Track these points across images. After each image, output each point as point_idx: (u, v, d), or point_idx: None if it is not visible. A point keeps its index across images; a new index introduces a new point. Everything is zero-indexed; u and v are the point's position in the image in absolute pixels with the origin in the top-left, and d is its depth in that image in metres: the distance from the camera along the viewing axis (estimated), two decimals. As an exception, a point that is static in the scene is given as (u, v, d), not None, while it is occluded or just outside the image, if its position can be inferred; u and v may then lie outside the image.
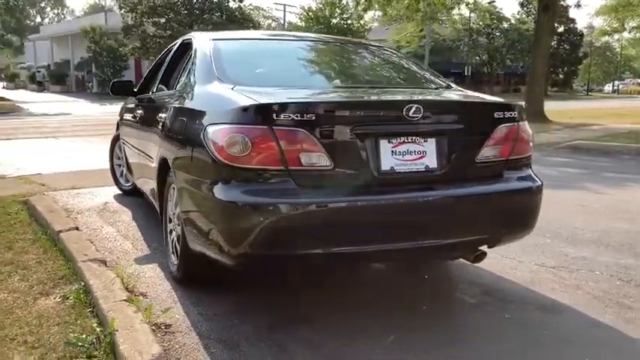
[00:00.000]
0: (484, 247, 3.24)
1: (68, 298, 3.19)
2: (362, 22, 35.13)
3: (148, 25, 31.90)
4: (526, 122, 3.29)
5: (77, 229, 4.30)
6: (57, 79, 41.38)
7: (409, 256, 3.27)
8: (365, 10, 20.58)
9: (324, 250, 2.75)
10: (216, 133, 2.71)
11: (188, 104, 3.29)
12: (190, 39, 4.12)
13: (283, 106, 2.67)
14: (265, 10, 77.81)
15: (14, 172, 7.66)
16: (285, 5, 54.11)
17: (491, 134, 3.07)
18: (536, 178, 3.28)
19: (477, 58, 53.07)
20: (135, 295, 3.29)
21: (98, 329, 2.76)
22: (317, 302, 3.33)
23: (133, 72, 37.92)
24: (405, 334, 2.88)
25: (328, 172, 2.73)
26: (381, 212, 2.82)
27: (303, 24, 35.41)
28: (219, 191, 2.68)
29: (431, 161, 2.92)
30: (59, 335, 2.76)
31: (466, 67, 49.61)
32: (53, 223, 4.36)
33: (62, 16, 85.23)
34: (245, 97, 2.79)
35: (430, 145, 2.92)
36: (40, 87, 42.32)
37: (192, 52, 3.78)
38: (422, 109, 2.81)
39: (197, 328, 2.88)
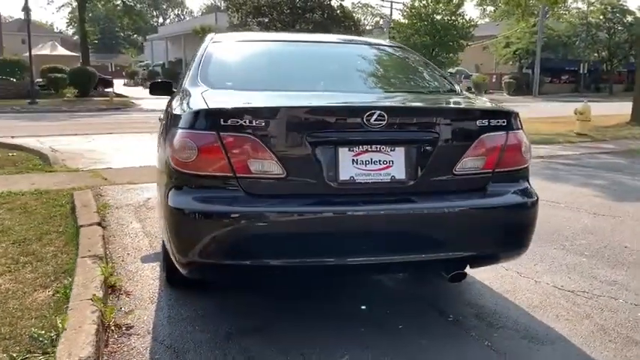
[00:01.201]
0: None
1: (58, 292, 3.33)
2: (467, 17, 33.96)
3: (253, 24, 32.86)
4: (520, 131, 2.98)
5: (99, 224, 4.49)
6: (170, 76, 43.77)
7: (371, 271, 3.09)
8: (458, 7, 19.77)
9: (274, 263, 2.66)
10: (173, 137, 2.71)
11: (172, 107, 3.33)
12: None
13: (231, 112, 2.60)
14: (374, 8, 77.64)
15: (90, 166, 8.20)
16: (391, 2, 53.67)
17: (472, 144, 2.82)
18: (529, 193, 2.97)
19: (596, 54, 49.45)
20: (119, 294, 3.39)
21: (60, 326, 2.85)
22: (289, 312, 3.23)
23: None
24: (361, 352, 2.72)
25: (280, 180, 2.63)
26: (337, 225, 2.68)
27: (406, 21, 34.84)
28: (171, 197, 2.67)
29: (398, 172, 2.73)
30: (30, 329, 2.89)
31: (582, 65, 46.43)
32: (80, 217, 4.60)
33: (181, 17, 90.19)
34: (202, 102, 2.76)
35: (398, 155, 2.73)
36: (155, 84, 44.68)
37: (197, 53, 3.80)
38: (385, 116, 2.63)
39: (155, 332, 2.91)
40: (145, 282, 3.60)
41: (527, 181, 3.06)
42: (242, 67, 3.57)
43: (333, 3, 34.25)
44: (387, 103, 2.86)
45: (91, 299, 2.94)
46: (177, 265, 2.77)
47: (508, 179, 2.95)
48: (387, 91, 3.37)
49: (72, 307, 2.90)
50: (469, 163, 2.82)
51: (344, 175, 2.67)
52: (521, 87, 43.15)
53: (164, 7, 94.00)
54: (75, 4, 33.31)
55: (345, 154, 2.67)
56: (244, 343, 2.80)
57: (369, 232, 2.70)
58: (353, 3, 71.37)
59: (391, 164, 2.72)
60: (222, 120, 2.57)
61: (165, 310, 3.18)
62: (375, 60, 3.98)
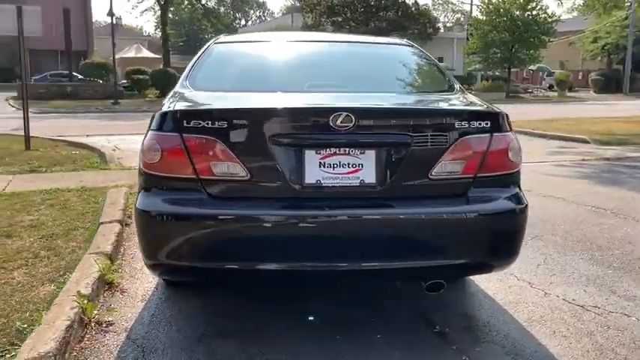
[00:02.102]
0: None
1: (59, 288, 3.47)
2: (549, 12, 32.38)
3: (327, 24, 33.04)
4: (508, 133, 2.79)
5: (120, 222, 4.64)
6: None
7: (340, 279, 3.00)
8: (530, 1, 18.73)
9: (236, 267, 2.64)
10: (144, 139, 2.74)
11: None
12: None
13: (193, 114, 2.61)
14: (454, 4, 75.93)
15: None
16: (472, -2, 52.30)
17: (449, 147, 2.67)
18: (516, 200, 2.78)
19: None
20: (114, 291, 3.48)
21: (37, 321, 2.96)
22: (274, 316, 3.18)
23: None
24: (326, 364, 2.65)
25: (244, 183, 2.60)
26: (300, 230, 2.62)
27: (484, 17, 33.75)
28: (139, 199, 2.71)
29: (368, 176, 2.63)
30: (22, 321, 3.03)
31: (680, 60, 43.09)
32: (103, 214, 4.78)
33: (263, 19, 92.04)
34: (172, 104, 2.78)
35: (368, 158, 2.63)
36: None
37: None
38: (353, 118, 2.54)
39: (132, 330, 2.96)
40: (145, 280, 3.67)
41: (518, 186, 2.87)
42: (231, 69, 3.56)
43: (407, 0, 33.86)
44: (355, 104, 2.75)
45: (75, 295, 3.03)
46: (147, 268, 2.81)
47: (494, 185, 2.78)
48: (372, 92, 3.26)
49: (57, 302, 3.01)
50: (447, 167, 2.68)
51: (310, 178, 2.60)
52: (610, 84, 40.64)
53: (246, 9, 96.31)
54: (157, 8, 34.69)
55: (311, 157, 2.61)
56: (214, 346, 2.80)
57: (335, 237, 2.61)
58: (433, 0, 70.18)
59: (360, 168, 2.63)
60: (185, 122, 2.58)
61: (152, 308, 3.23)
62: (371, 59, 3.87)
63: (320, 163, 2.61)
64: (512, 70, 34.12)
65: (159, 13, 35.55)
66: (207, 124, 2.56)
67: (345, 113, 2.54)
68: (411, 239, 2.66)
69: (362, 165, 2.63)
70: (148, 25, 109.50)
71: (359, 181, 2.62)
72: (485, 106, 2.89)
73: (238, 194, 2.62)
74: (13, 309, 3.15)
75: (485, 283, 3.59)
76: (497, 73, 37.28)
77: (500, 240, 2.77)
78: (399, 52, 3.99)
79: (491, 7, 33.17)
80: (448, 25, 61.54)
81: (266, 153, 2.58)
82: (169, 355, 2.71)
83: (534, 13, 32.17)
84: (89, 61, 34.23)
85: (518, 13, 32.41)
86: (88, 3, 43.20)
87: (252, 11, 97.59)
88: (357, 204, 2.65)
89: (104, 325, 3.00)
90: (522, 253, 2.97)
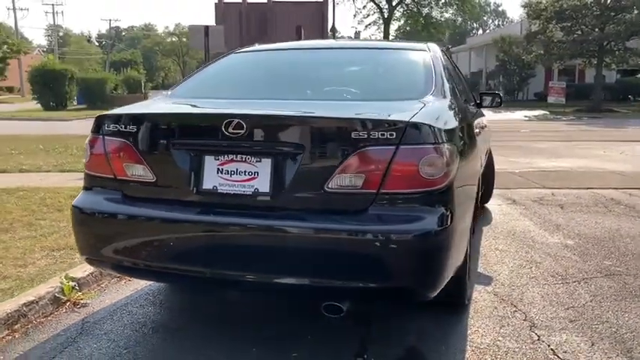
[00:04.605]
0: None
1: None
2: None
3: (556, 30, 30.54)
4: (423, 146, 2.45)
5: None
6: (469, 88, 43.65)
7: (230, 286, 2.92)
8: None
9: (142, 266, 2.79)
10: None
11: None
12: None
13: (110, 117, 2.85)
14: None
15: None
16: None
17: (347, 158, 2.47)
18: (431, 223, 2.45)
19: None
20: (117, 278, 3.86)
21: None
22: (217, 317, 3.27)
23: (541, 80, 37.05)
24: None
25: (151, 185, 2.75)
26: (193, 234, 2.67)
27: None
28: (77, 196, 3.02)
29: (262, 184, 2.58)
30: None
31: None
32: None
33: (501, 28, 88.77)
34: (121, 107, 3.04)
35: (264, 167, 2.59)
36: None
37: None
38: (244, 125, 2.52)
39: (94, 314, 3.34)
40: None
41: (444, 207, 2.50)
42: (213, 76, 3.70)
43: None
44: (247, 111, 2.68)
45: (63, 278, 3.49)
46: None
47: (404, 203, 2.49)
48: (318, 100, 3.11)
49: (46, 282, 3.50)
50: (344, 180, 2.49)
51: (207, 184, 2.65)
52: None
53: (484, 17, 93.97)
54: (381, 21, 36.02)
55: (210, 163, 2.66)
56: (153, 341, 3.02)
57: (222, 245, 2.63)
58: None
59: (256, 176, 2.59)
60: (105, 125, 2.84)
61: (135, 295, 3.58)
62: (358, 66, 3.71)
63: (218, 169, 2.64)
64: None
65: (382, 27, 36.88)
66: (122, 127, 2.79)
67: (237, 120, 2.54)
68: (301, 254, 2.53)
69: (257, 173, 2.59)
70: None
71: (253, 189, 2.59)
72: (399, 115, 2.55)
73: (146, 195, 2.79)
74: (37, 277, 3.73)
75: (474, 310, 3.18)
76: None
77: (403, 265, 2.46)
78: (401, 58, 3.72)
79: None
80: None
81: (168, 157, 2.72)
82: (98, 338, 3.00)
83: None
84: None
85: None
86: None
87: (490, 20, 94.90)
88: (248, 212, 2.61)
89: (79, 306, 3.44)
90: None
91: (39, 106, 29.75)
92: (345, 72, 3.62)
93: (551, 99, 28.89)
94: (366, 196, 2.49)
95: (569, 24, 30.73)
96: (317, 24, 40.25)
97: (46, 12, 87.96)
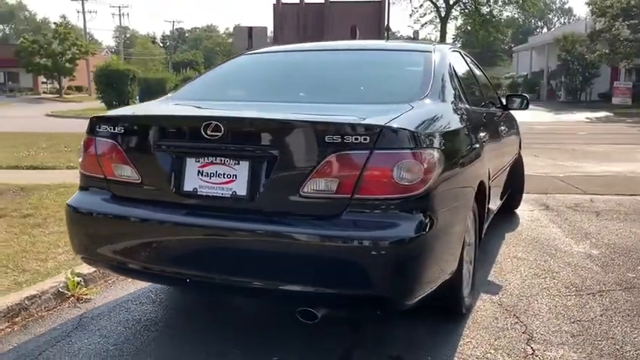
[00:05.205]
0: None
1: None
2: None
3: (622, 27, 29.19)
4: (398, 151, 2.40)
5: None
6: (530, 88, 42.23)
7: (206, 288, 2.92)
8: None
9: (131, 266, 2.85)
10: None
11: None
12: None
13: (101, 119, 2.91)
14: None
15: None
16: None
17: (321, 162, 2.44)
18: (404, 230, 2.39)
19: None
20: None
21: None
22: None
23: (606, 80, 35.45)
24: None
25: (137, 186, 2.81)
26: (172, 235, 2.71)
27: None
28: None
29: (240, 187, 2.59)
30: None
31: None
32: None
33: (565, 26, 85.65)
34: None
35: (242, 170, 2.60)
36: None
37: None
38: (222, 128, 2.54)
39: (95, 308, 3.44)
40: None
41: (419, 213, 2.44)
42: (214, 78, 3.75)
43: None
44: (223, 114, 2.69)
45: (71, 273, 3.61)
46: None
47: (378, 208, 2.44)
48: (307, 103, 3.09)
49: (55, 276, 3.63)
50: (319, 184, 2.47)
51: (188, 185, 2.69)
52: None
53: (550, 16, 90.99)
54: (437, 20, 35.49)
55: (191, 165, 2.69)
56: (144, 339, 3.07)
57: (200, 247, 2.66)
58: None
59: (235, 179, 2.61)
60: (97, 126, 2.92)
61: (138, 292, 3.67)
62: (358, 68, 3.64)
63: (199, 171, 2.67)
64: None
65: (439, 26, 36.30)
66: (111, 129, 2.85)
67: (215, 122, 2.56)
68: (274, 259, 2.51)
69: (236, 176, 2.61)
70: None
71: (231, 192, 2.61)
72: (375, 119, 2.48)
73: (132, 196, 2.85)
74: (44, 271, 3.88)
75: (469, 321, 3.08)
76: None
77: (377, 273, 2.41)
78: (402, 60, 3.64)
79: None
80: None
81: (152, 159, 2.78)
82: (89, 331, 3.07)
83: None
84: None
85: None
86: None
87: (555, 18, 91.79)
88: (225, 215, 2.63)
89: (81, 301, 3.57)
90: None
91: (103, 105, 30.95)
92: (341, 74, 3.56)
93: (616, 100, 27.72)
94: (340, 201, 2.45)
95: (636, 21, 29.35)
96: (374, 24, 40.05)
97: (113, 14, 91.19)
